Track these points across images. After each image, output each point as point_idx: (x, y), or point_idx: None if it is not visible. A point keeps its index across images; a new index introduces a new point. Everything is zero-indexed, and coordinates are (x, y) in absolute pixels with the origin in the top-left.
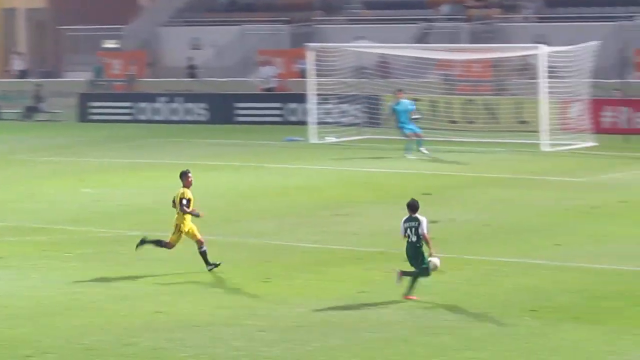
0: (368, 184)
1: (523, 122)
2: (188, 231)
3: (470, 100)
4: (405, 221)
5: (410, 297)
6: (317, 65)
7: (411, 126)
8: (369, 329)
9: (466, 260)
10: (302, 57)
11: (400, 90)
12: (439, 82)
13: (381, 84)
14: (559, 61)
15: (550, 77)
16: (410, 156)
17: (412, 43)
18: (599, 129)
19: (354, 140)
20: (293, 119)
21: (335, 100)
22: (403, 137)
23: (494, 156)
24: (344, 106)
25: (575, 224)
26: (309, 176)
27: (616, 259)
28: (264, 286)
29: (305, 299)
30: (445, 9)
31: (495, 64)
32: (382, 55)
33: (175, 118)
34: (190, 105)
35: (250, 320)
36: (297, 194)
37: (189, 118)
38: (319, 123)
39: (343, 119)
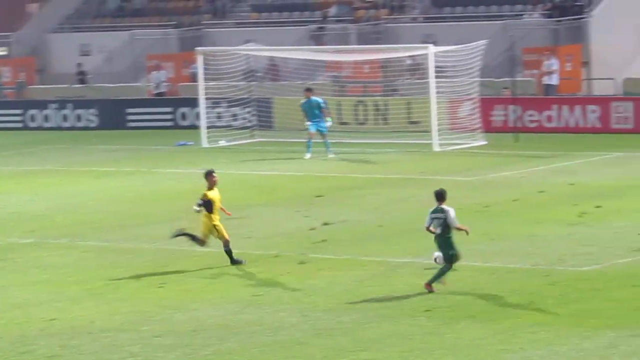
0: (260, 186)
1: (414, 123)
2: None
3: (361, 101)
4: (432, 212)
5: (431, 286)
6: (206, 69)
7: (318, 126)
8: (265, 332)
9: (360, 261)
10: (192, 61)
11: (309, 89)
12: (329, 84)
13: (271, 87)
14: (447, 61)
15: (439, 76)
16: (309, 156)
17: (299, 45)
18: (489, 128)
19: (246, 143)
20: (184, 123)
21: (226, 104)
22: (318, 139)
23: (385, 157)
24: (235, 110)
25: (468, 223)
26: (201, 180)
27: (509, 257)
28: (159, 291)
29: (201, 304)
30: (333, 10)
31: (384, 65)
32: (272, 59)
33: (66, 124)
34: (80, 111)
35: (146, 325)
36: (190, 199)
37: (79, 124)
38: (210, 127)
39: (234, 123)
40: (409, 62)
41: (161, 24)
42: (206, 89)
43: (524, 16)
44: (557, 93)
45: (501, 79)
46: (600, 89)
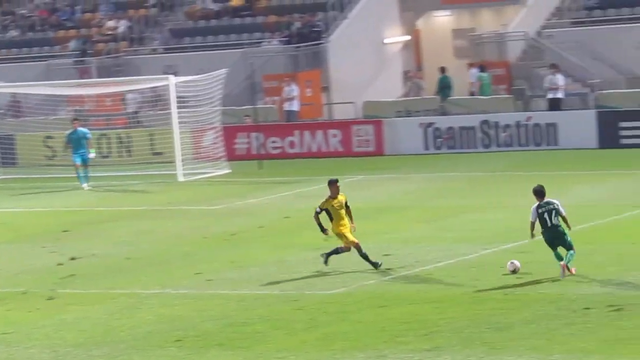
0: (5, 224)
1: (158, 154)
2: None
3: (104, 134)
4: (539, 207)
5: (570, 269)
6: None
7: (83, 157)
8: None
9: (109, 294)
10: None
11: (75, 119)
12: (71, 118)
13: (14, 123)
14: (189, 91)
15: (181, 107)
16: (86, 186)
17: (40, 80)
18: (233, 156)
19: None
20: None
21: None
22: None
23: (131, 189)
24: None
25: (215, 251)
26: None
27: (257, 284)
28: None
29: None
30: (72, 44)
31: (126, 97)
32: (14, 95)
33: None
34: None
35: None
36: None
37: None
38: None
39: None
40: (150, 93)
41: None
42: None
43: (263, 44)
44: (298, 119)
45: (243, 107)
46: (341, 113)
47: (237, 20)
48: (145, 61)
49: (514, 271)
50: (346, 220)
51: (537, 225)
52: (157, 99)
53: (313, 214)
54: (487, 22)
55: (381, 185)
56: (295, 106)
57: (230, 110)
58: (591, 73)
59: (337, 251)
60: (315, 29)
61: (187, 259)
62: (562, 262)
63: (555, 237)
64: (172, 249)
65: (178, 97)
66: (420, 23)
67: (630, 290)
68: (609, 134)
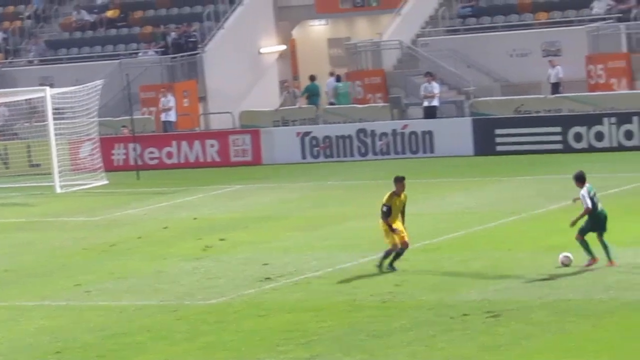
0: None
1: (35, 165)
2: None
3: None
4: (590, 191)
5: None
6: None
7: None
8: None
9: None
10: None
11: None
12: None
13: None
14: (66, 102)
15: (58, 118)
16: None
17: None
18: (110, 167)
19: None
20: None
21: None
22: None
23: (9, 201)
24: None
25: (94, 262)
26: None
27: (137, 295)
28: None
29: None
30: None
31: (1, 109)
32: None
33: None
34: None
35: None
36: None
37: None
38: None
39: None
40: (26, 105)
41: None
42: None
43: (139, 54)
44: (175, 129)
45: (120, 118)
46: (218, 123)
47: (113, 31)
48: (21, 73)
49: (567, 265)
50: (398, 220)
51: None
52: (33, 110)
53: (381, 214)
54: (362, 31)
55: (259, 194)
56: (172, 117)
57: (107, 121)
58: (466, 81)
59: (386, 255)
60: (191, 40)
61: (67, 271)
62: (612, 261)
63: (602, 220)
64: (52, 261)
65: (54, 108)
66: (296, 32)
67: (507, 296)
68: (485, 141)
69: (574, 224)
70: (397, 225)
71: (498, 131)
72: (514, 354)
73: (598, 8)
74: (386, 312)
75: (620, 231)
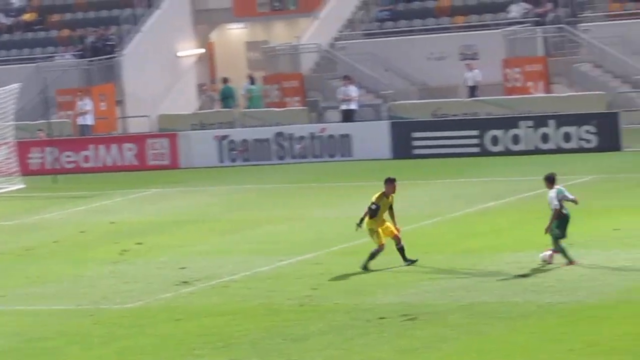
0: None
1: None
2: (385, 228)
3: None
4: (559, 193)
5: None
6: None
7: None
8: None
9: None
10: None
11: None
12: None
13: None
14: None
15: None
16: None
17: None
18: (27, 171)
19: None
20: None
21: None
22: None
23: None
24: None
25: (10, 267)
26: None
27: (52, 299)
28: None
29: None
30: None
31: None
32: None
33: None
34: None
35: None
36: None
37: None
38: None
39: None
40: None
41: None
42: None
43: (56, 58)
44: (93, 133)
45: (36, 122)
46: (136, 126)
47: (30, 35)
48: None
49: (548, 262)
50: (385, 220)
51: None
52: None
53: (368, 211)
54: (280, 34)
55: (177, 198)
56: (89, 120)
57: (23, 125)
58: (384, 84)
59: (373, 256)
60: (109, 43)
61: None
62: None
63: (563, 224)
64: None
65: None
66: (214, 36)
67: (424, 299)
68: (402, 144)
69: (548, 229)
70: (379, 227)
71: (415, 134)
72: (431, 357)
73: (515, 12)
74: (303, 316)
75: (535, 235)
